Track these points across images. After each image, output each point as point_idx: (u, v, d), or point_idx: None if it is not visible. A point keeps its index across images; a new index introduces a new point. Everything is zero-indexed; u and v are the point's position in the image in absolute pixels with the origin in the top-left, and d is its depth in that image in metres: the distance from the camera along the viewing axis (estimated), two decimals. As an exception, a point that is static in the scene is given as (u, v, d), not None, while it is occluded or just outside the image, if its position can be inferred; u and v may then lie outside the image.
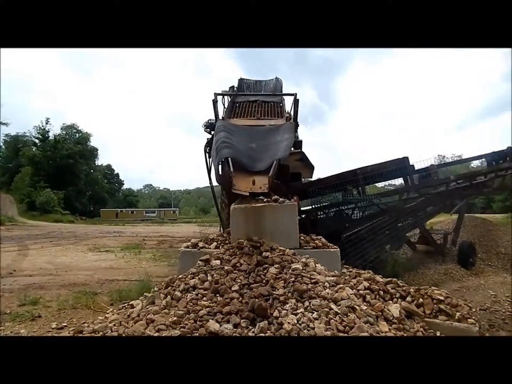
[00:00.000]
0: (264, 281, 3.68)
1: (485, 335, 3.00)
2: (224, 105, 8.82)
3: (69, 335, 3.59)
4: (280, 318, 3.13)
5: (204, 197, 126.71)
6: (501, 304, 6.27)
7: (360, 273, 4.25)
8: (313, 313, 3.21)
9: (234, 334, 2.91)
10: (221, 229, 10.79)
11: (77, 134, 54.59)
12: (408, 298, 3.88)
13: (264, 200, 4.55)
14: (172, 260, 11.78)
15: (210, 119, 8.13)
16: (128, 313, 3.56)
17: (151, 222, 50.76)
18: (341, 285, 3.63)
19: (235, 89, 8.69)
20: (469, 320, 3.57)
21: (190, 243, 4.72)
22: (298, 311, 3.22)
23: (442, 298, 3.78)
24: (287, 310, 3.25)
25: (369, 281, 4.06)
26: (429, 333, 3.51)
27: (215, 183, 6.77)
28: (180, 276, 4.01)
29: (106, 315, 4.46)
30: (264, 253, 4.12)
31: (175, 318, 3.19)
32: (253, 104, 7.44)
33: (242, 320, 3.08)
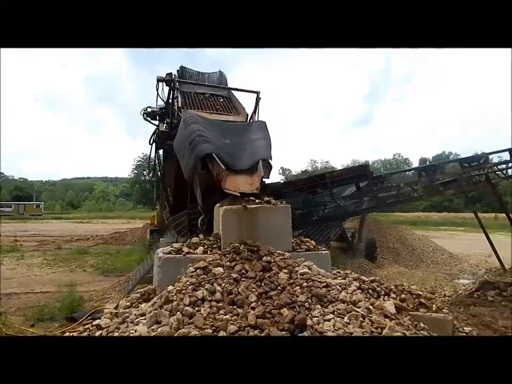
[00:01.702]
0: (279, 288, 3.49)
1: (485, 335, 3.07)
2: (158, 93, 8.02)
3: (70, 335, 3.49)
4: (315, 326, 3.02)
5: (72, 190, 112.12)
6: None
7: (347, 274, 4.44)
8: (343, 317, 3.20)
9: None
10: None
11: None
12: (393, 295, 4.24)
13: (256, 201, 4.31)
14: (73, 265, 10.09)
15: (150, 106, 7.24)
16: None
17: (8, 218, 42.20)
18: (354, 287, 3.72)
19: (174, 76, 7.93)
20: (443, 310, 4.14)
21: (171, 248, 4.11)
22: (328, 317, 3.17)
23: (420, 293, 4.27)
24: (318, 316, 3.15)
25: (358, 281, 4.28)
26: (415, 324, 3.90)
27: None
28: (178, 288, 3.45)
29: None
30: (264, 257, 3.91)
31: (206, 339, 2.74)
32: (202, 96, 6.94)
33: (283, 333, 2.85)
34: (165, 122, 6.61)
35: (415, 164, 68.76)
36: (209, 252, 4.10)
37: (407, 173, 8.23)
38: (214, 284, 3.46)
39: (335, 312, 3.26)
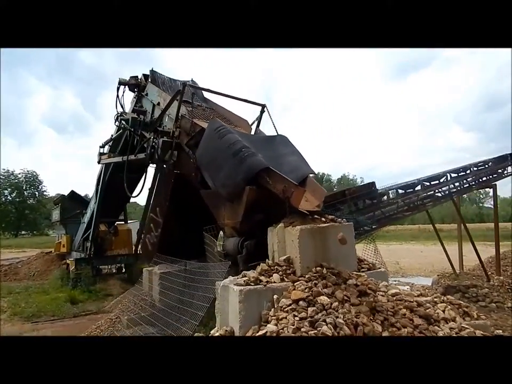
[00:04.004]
0: (389, 312, 3.23)
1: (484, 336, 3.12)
2: (119, 98, 6.89)
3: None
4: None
5: None
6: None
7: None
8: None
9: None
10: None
11: None
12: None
13: (323, 219, 3.96)
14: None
15: (125, 112, 6.05)
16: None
17: None
18: (444, 304, 3.72)
19: (139, 79, 6.86)
20: (481, 317, 4.48)
21: (245, 278, 3.39)
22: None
23: (460, 302, 4.53)
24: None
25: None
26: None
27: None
28: (292, 326, 2.85)
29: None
30: (349, 280, 3.59)
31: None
32: (192, 106, 6.12)
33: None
34: (158, 131, 5.55)
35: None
36: (286, 279, 3.55)
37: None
38: (331, 316, 2.98)
39: (453, 332, 3.19)
